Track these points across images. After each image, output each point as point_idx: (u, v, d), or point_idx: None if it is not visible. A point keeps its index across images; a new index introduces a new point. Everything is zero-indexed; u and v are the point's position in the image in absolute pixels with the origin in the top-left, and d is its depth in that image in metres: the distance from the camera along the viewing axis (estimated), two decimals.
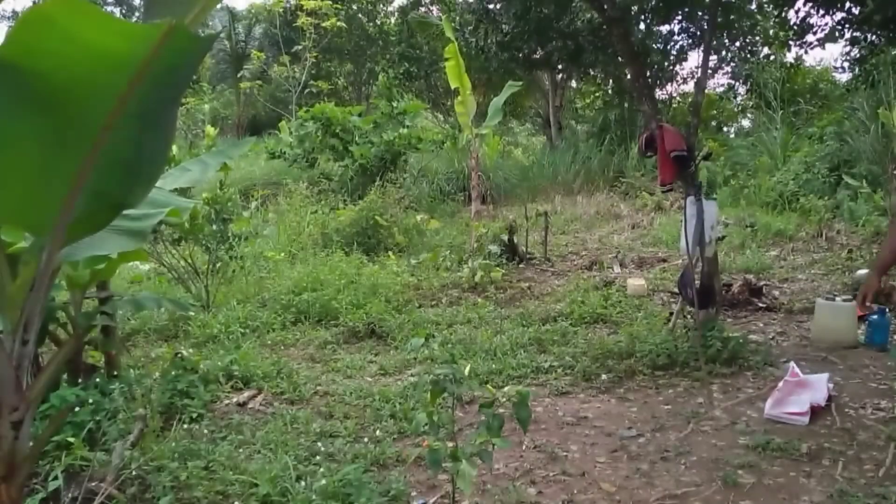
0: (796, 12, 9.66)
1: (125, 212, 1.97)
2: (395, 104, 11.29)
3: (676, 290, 4.92)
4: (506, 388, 1.78)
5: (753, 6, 11.52)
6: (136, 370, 4.15)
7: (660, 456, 3.30)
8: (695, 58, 15.17)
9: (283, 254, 7.56)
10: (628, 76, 6.47)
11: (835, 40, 9.98)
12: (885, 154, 9.13)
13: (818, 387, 3.83)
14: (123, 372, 3.81)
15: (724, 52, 14.76)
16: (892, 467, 3.09)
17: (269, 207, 10.81)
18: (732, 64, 15.24)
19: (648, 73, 13.11)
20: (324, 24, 17.80)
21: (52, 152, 1.55)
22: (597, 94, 17.12)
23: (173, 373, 3.79)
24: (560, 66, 15.73)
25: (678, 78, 15.60)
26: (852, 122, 10.69)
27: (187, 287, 6.35)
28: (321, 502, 2.63)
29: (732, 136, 15.69)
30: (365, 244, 7.99)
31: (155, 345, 5.13)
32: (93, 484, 2.73)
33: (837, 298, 5.02)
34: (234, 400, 3.96)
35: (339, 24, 18.24)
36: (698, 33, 13.36)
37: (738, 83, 15.69)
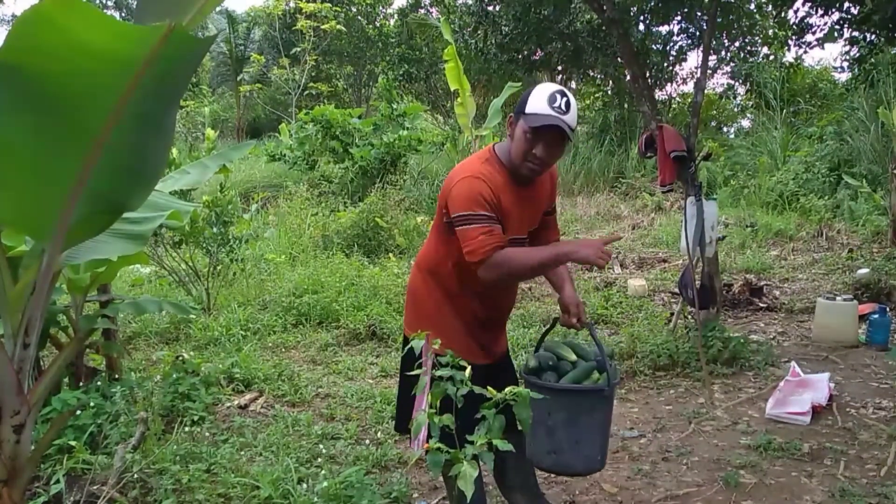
0: (795, 12, 9.65)
1: (125, 215, 1.97)
2: (394, 106, 11.26)
3: (677, 290, 4.91)
4: (506, 389, 1.78)
5: (752, 6, 11.50)
6: (138, 373, 4.17)
7: (661, 456, 3.31)
8: (694, 58, 15.20)
9: (283, 256, 7.55)
10: (628, 77, 6.47)
11: (834, 40, 9.96)
12: (885, 153, 9.12)
13: (819, 386, 3.83)
14: (125, 375, 3.82)
15: (723, 53, 14.74)
16: (893, 466, 3.09)
17: (269, 210, 10.80)
18: (732, 64, 15.22)
19: (648, 74, 13.11)
20: (323, 27, 17.79)
21: (51, 154, 1.55)
22: (596, 95, 17.08)
23: (174, 376, 3.79)
24: (560, 68, 15.73)
25: (678, 78, 15.58)
26: (852, 122, 10.68)
27: (188, 290, 6.35)
28: None
29: (732, 136, 15.64)
30: (365, 246, 7.98)
31: (156, 348, 5.13)
32: (95, 487, 2.73)
33: (838, 298, 5.02)
34: (236, 402, 3.97)
35: (338, 26, 18.22)
36: (697, 34, 13.35)
37: (737, 83, 15.66)
